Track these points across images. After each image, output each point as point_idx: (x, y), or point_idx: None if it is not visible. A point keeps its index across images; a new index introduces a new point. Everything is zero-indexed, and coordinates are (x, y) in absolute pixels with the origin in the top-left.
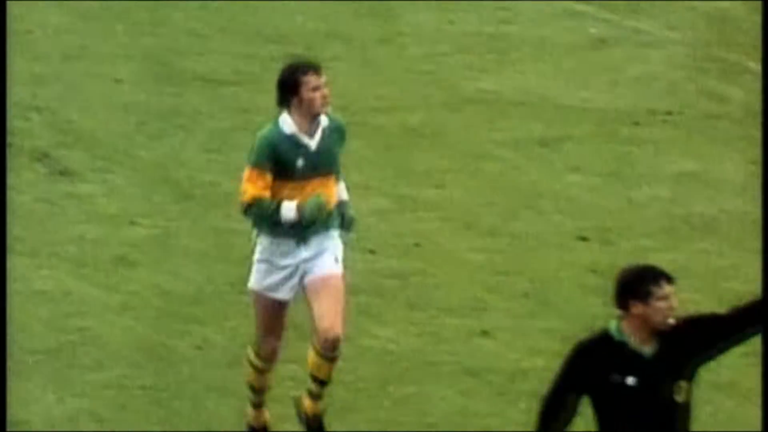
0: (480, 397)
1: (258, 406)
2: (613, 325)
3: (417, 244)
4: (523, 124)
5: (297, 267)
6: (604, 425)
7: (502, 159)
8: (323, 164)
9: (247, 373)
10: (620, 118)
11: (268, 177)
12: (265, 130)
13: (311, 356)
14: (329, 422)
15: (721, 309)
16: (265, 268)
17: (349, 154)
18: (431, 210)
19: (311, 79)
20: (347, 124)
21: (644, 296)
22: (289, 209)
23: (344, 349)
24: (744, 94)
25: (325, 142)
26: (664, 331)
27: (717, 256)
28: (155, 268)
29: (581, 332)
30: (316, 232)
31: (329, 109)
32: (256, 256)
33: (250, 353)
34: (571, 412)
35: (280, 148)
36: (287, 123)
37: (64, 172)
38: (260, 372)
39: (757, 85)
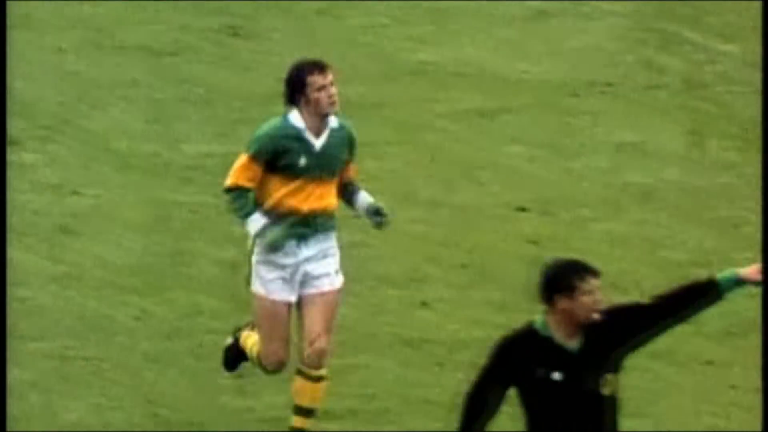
0: (419, 368)
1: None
2: (538, 320)
3: (356, 216)
4: (462, 96)
5: (298, 267)
6: (532, 420)
7: (442, 130)
8: (326, 166)
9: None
10: (559, 90)
11: (259, 171)
12: (272, 122)
13: (296, 383)
14: (264, 394)
15: (661, 279)
16: (265, 269)
17: None
18: (371, 181)
19: (317, 79)
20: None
21: (569, 291)
22: (255, 223)
23: None
24: (683, 64)
25: (330, 145)
26: (589, 325)
27: (655, 225)
28: (96, 238)
29: (520, 303)
30: (316, 232)
31: (336, 109)
32: (255, 257)
33: (255, 354)
34: (495, 408)
35: (282, 143)
36: (296, 118)
37: (7, 142)
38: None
39: (696, 56)
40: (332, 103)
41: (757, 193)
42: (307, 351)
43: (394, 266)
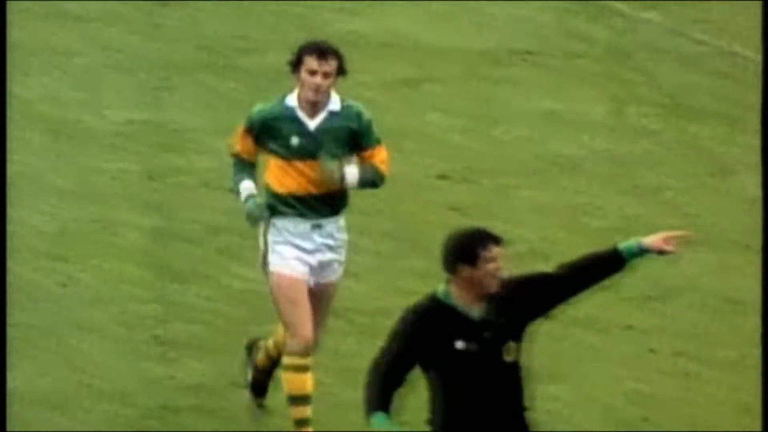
0: (345, 337)
1: (305, 423)
2: (441, 289)
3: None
4: (388, 66)
5: (313, 252)
6: (437, 389)
7: (368, 100)
8: (321, 147)
9: (289, 384)
10: (483, 59)
11: (250, 144)
12: (269, 101)
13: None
14: (186, 361)
15: (582, 246)
16: (282, 249)
17: (217, 95)
18: None
19: (311, 62)
20: (216, 65)
21: (472, 259)
22: (245, 190)
23: (204, 289)
24: (605, 33)
25: (327, 125)
26: (493, 294)
27: (578, 193)
28: (24, 204)
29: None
30: (328, 216)
31: (318, 98)
32: (272, 238)
33: (286, 360)
34: (402, 381)
35: (273, 122)
36: (292, 97)
37: None
38: (303, 370)
39: (619, 24)
40: (315, 91)
41: (678, 160)
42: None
43: None
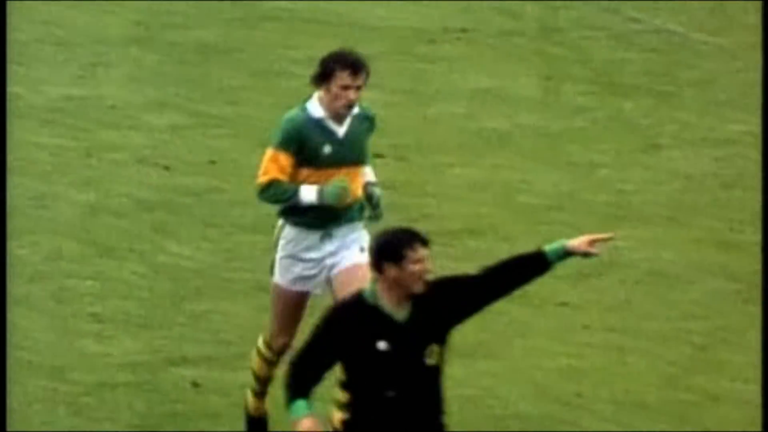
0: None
1: (260, 395)
2: (367, 289)
3: (211, 161)
4: (318, 42)
5: (322, 261)
6: (356, 389)
7: (297, 76)
8: (351, 153)
9: (254, 362)
10: (416, 36)
11: (290, 161)
12: (292, 112)
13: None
14: (122, 338)
15: (516, 222)
16: (288, 263)
17: (143, 69)
18: (225, 127)
19: (344, 77)
20: (151, 40)
21: (398, 259)
22: (308, 192)
23: (140, 265)
24: (538, 10)
25: (353, 131)
26: (418, 295)
27: (511, 170)
28: None
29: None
30: (340, 226)
31: (349, 112)
32: (279, 253)
33: (261, 343)
34: (321, 377)
35: (306, 132)
36: (316, 107)
37: None
38: (268, 362)
39: (552, 1)
40: (348, 106)
41: (611, 136)
42: None
43: (249, 212)
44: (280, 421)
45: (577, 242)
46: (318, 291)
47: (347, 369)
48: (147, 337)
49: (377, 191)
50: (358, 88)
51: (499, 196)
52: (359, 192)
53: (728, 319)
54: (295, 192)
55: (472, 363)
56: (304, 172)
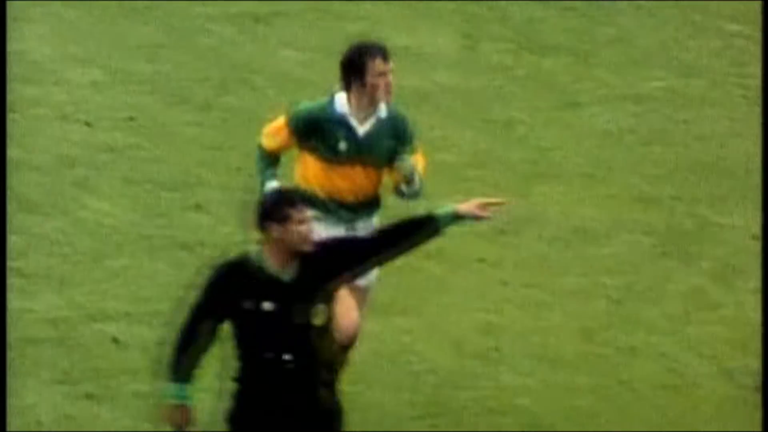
0: (193, 270)
1: None
2: (253, 249)
3: (131, 118)
4: None
5: None
6: (243, 350)
7: (216, 33)
8: (368, 153)
9: None
10: None
11: (288, 141)
12: (318, 102)
13: None
14: (45, 294)
15: (435, 180)
16: None
17: (65, 24)
18: (145, 83)
19: (378, 65)
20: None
21: (282, 219)
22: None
23: (62, 221)
24: None
25: (376, 131)
26: (304, 255)
27: (431, 128)
28: None
29: None
30: (363, 217)
31: (390, 99)
32: None
33: None
34: (209, 339)
35: (323, 125)
36: (341, 102)
37: None
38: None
39: None
40: (388, 92)
41: (529, 94)
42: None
43: (168, 169)
44: None
45: (466, 206)
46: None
47: (234, 331)
48: (69, 293)
49: (415, 176)
50: (391, 72)
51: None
52: (375, 192)
53: (645, 273)
54: (266, 180)
55: (389, 319)
56: (319, 163)
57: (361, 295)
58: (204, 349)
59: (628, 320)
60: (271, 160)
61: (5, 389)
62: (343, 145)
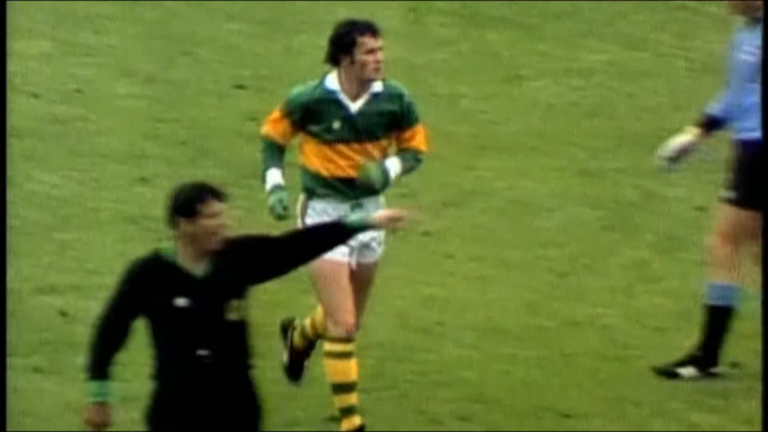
0: (138, 243)
1: (352, 410)
2: (166, 245)
3: (78, 90)
4: None
5: None
6: (159, 347)
7: (160, 6)
8: (363, 130)
9: (331, 371)
10: None
11: (288, 127)
12: (309, 84)
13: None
14: None
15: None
16: None
17: None
18: (91, 55)
19: (368, 41)
20: None
21: (192, 215)
22: (270, 179)
23: (10, 193)
24: None
25: (370, 108)
26: (217, 251)
27: None
28: None
29: (239, 179)
30: (368, 195)
31: (381, 76)
32: (311, 221)
33: (328, 346)
34: (124, 336)
35: (316, 106)
36: (332, 80)
37: None
38: (346, 357)
39: None
40: (377, 69)
41: (474, 68)
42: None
43: (115, 141)
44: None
45: (379, 217)
46: (352, 262)
47: (150, 328)
48: (17, 264)
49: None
50: (381, 49)
51: None
52: (374, 170)
53: (588, 245)
54: (266, 168)
55: None
56: (317, 145)
57: (368, 273)
58: (119, 346)
59: (572, 292)
60: (273, 150)
61: (5, 389)
62: (336, 124)
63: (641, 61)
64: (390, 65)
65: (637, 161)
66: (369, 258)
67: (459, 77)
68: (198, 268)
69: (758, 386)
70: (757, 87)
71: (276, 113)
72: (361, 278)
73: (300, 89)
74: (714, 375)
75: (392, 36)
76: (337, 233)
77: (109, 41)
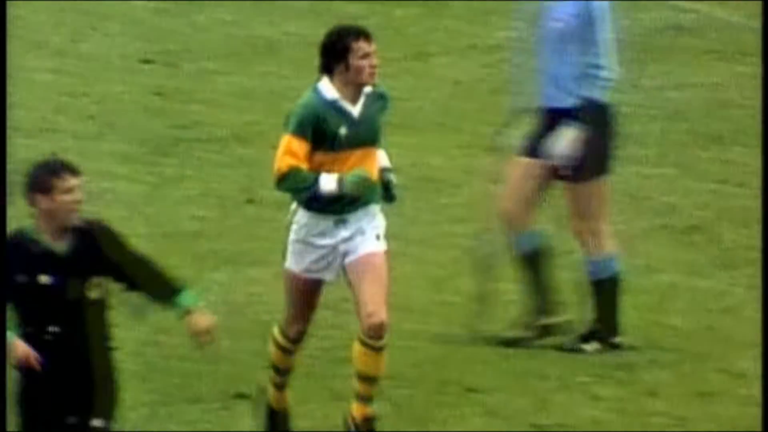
0: None
1: (280, 387)
2: (28, 223)
3: None
4: None
5: (335, 247)
6: (22, 324)
7: None
8: (366, 134)
9: (272, 353)
10: None
11: (307, 147)
12: (305, 97)
13: (356, 350)
14: None
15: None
16: (300, 249)
17: None
18: None
19: (361, 46)
20: None
21: (47, 190)
22: (328, 181)
23: None
24: None
25: (367, 111)
26: (80, 229)
27: (279, 77)
28: None
29: (146, 155)
30: (355, 210)
31: (375, 80)
32: (291, 236)
33: (276, 332)
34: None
35: (322, 116)
36: (328, 89)
37: None
38: (285, 351)
39: None
40: (372, 74)
41: (381, 44)
42: (367, 324)
43: (24, 115)
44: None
45: (194, 322)
46: (331, 278)
47: (15, 306)
48: None
49: (393, 177)
50: (375, 53)
51: (268, 103)
52: (375, 174)
53: (495, 222)
54: (315, 181)
55: (239, 269)
56: (320, 156)
57: (383, 262)
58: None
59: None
60: (296, 173)
61: (5, 389)
62: (343, 131)
63: None
64: (295, 40)
65: None
66: (365, 249)
67: None
68: (59, 245)
69: (660, 357)
70: (565, 55)
71: (290, 143)
72: (365, 270)
73: (301, 105)
74: (617, 347)
75: (298, 12)
76: (161, 299)
77: (19, 13)
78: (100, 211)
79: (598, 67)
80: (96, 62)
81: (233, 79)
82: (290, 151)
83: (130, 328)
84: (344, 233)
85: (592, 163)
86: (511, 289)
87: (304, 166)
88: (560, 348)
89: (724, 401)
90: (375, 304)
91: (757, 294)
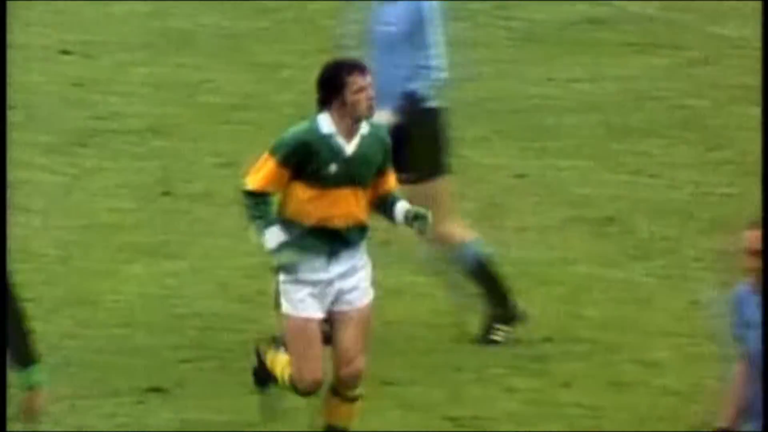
0: None
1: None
2: None
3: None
4: None
5: (331, 282)
6: None
7: None
8: (356, 173)
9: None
10: None
11: (286, 176)
12: (302, 127)
13: (328, 402)
14: None
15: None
16: (293, 288)
17: None
18: None
19: (357, 80)
20: None
21: None
22: (272, 237)
23: None
24: None
25: (362, 150)
26: None
27: (194, 69)
28: None
29: (66, 145)
30: (347, 246)
31: (373, 113)
32: (282, 277)
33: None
34: None
35: (313, 149)
36: (326, 122)
37: None
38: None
39: None
40: (370, 107)
41: (295, 37)
42: (344, 371)
43: None
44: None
45: (29, 401)
46: (321, 314)
47: None
48: None
49: (418, 210)
50: (371, 86)
51: (183, 95)
52: (365, 214)
53: None
54: (267, 223)
55: (155, 262)
56: (308, 191)
57: (359, 316)
58: None
59: (395, 261)
60: (262, 201)
61: (5, 389)
62: (333, 167)
63: (462, 30)
64: (210, 32)
65: (458, 130)
66: (358, 302)
67: (280, 46)
68: None
69: (575, 348)
70: (397, 58)
71: (268, 164)
72: (356, 322)
73: (295, 131)
74: (524, 317)
75: (212, 3)
76: (17, 361)
77: None
78: (20, 202)
79: (428, 68)
80: (16, 52)
81: (149, 70)
82: (269, 176)
83: (49, 321)
84: (339, 268)
85: (423, 164)
86: (425, 282)
87: (274, 196)
88: (475, 341)
89: (638, 391)
90: (354, 354)
91: (671, 284)
